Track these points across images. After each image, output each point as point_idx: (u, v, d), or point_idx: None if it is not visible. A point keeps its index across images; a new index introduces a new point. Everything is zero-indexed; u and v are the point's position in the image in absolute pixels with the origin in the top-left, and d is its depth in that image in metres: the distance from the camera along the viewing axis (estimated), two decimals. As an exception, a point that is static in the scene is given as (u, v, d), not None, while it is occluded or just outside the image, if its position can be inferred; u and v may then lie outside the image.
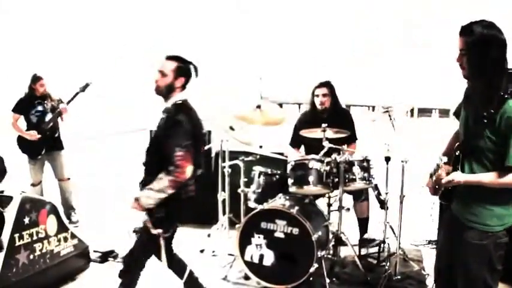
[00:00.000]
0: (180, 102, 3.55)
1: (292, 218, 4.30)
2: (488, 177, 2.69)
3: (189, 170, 3.37)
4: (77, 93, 5.90)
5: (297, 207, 4.38)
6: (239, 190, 5.07)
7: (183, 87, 3.61)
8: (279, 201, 4.58)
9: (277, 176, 4.89)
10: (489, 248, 2.78)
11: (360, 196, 5.17)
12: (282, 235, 4.35)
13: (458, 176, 2.75)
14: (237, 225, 4.63)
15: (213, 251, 5.14)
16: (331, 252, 4.59)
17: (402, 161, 4.45)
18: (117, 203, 6.93)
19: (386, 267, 4.58)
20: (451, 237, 2.96)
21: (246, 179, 5.05)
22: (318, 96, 5.18)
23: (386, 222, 4.89)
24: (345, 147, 4.67)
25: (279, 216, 4.37)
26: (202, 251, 5.18)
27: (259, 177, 4.90)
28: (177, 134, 3.38)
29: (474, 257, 2.80)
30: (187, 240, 4.31)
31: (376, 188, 4.74)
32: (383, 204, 4.78)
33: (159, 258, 3.62)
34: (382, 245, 4.90)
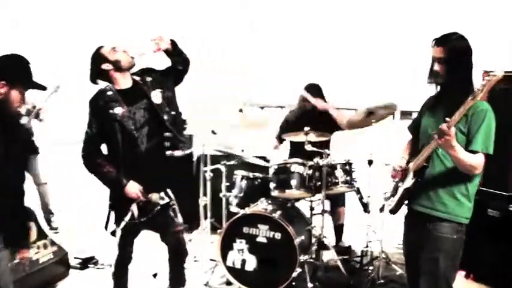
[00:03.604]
0: None
1: (275, 223, 4.27)
2: (468, 155, 2.77)
3: None
4: (50, 94, 5.76)
5: (279, 212, 4.34)
6: (221, 194, 5.02)
7: None
8: (261, 206, 4.53)
9: (259, 180, 4.84)
10: (457, 244, 2.94)
11: (337, 202, 5.15)
12: (264, 240, 4.32)
13: (455, 140, 2.70)
14: (218, 230, 4.59)
15: (195, 257, 5.07)
16: (314, 256, 4.55)
17: (386, 165, 4.43)
18: (97, 208, 6.82)
19: (370, 271, 4.57)
20: (417, 239, 3.04)
21: (228, 184, 5.00)
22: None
23: (369, 226, 4.87)
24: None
25: (261, 221, 4.34)
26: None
27: (241, 181, 4.86)
28: None
29: (444, 252, 2.91)
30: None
31: (358, 191, 4.71)
32: (366, 208, 4.76)
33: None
34: (365, 249, 4.87)
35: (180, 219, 3.74)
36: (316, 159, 4.51)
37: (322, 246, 4.55)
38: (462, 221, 2.92)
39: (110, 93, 3.57)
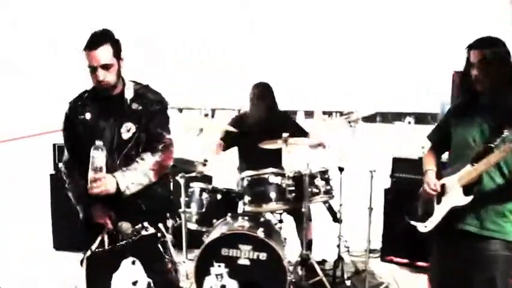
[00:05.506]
0: (144, 84, 3.13)
1: (259, 242, 3.81)
2: None
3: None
4: None
5: (261, 229, 3.88)
6: (180, 210, 4.42)
7: None
8: (237, 223, 4.02)
9: (221, 193, 4.34)
10: (510, 261, 2.75)
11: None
12: (247, 262, 3.83)
13: None
14: (193, 254, 4.02)
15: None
16: (300, 274, 4.17)
17: (370, 171, 4.18)
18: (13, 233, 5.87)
19: (348, 285, 4.30)
20: (462, 260, 2.82)
21: (186, 198, 4.41)
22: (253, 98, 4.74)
23: (340, 236, 4.58)
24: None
25: (242, 241, 3.84)
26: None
27: (200, 195, 4.33)
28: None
29: (499, 270, 2.73)
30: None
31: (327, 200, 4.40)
32: (336, 217, 4.46)
33: None
34: (339, 262, 4.58)
35: (172, 256, 3.10)
36: (298, 169, 4.13)
37: (304, 263, 4.17)
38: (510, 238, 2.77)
39: (86, 95, 3.03)
